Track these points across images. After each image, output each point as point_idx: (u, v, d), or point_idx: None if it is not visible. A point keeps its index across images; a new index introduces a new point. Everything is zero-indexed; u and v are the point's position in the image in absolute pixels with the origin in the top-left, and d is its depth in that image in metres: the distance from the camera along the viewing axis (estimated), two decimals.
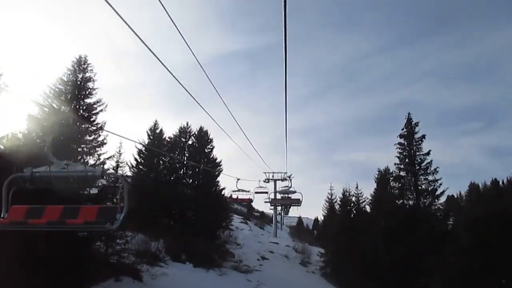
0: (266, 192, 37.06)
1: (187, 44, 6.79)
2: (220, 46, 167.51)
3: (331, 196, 33.55)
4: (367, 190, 32.40)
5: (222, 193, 32.96)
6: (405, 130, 20.52)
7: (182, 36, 6.49)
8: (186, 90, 7.94)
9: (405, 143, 20.35)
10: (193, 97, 8.39)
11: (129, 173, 29.81)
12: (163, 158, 30.97)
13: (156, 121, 30.98)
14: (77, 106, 17.65)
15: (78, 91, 17.72)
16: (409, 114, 20.80)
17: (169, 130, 34.83)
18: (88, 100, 18.03)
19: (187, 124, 32.80)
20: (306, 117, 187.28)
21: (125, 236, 19.63)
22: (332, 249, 29.70)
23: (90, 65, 18.24)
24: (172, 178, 31.26)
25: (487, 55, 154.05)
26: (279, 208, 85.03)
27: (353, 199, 31.57)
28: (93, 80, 18.18)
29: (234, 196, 34.69)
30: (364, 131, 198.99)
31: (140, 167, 29.91)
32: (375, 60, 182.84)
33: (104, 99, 18.24)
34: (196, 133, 32.99)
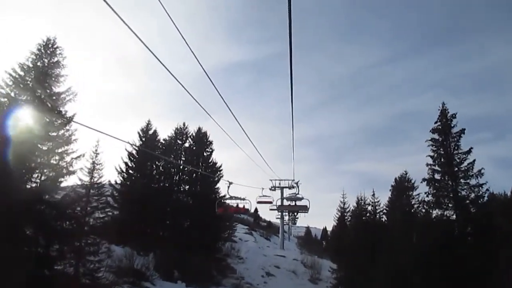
0: (271, 202, 32.90)
1: (192, 53, 6.27)
2: (226, 56, 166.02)
3: (344, 205, 30.10)
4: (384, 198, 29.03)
5: (222, 201, 29.79)
6: (439, 123, 16.83)
7: (187, 44, 5.99)
8: (193, 97, 7.59)
9: (440, 139, 16.73)
10: (199, 104, 8.07)
11: (118, 179, 26.90)
12: (156, 162, 27.97)
13: (149, 121, 28.05)
14: (42, 96, 14.74)
15: (43, 78, 14.84)
16: (443, 104, 17.10)
17: (165, 133, 31.67)
18: (55, 89, 15.14)
19: (184, 124, 29.80)
20: (313, 126, 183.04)
21: (100, 252, 16.52)
22: (346, 265, 26.17)
23: (59, 48, 15.42)
24: (166, 185, 28.21)
25: (496, 66, 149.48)
26: (286, 218, 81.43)
27: (369, 208, 28.12)
28: (62, 66, 15.37)
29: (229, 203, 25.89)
30: (371, 141, 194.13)
31: (130, 172, 26.88)
32: (383, 70, 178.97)
33: (74, 87, 15.31)
34: (194, 134, 29.95)
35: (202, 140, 29.77)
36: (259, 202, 32.78)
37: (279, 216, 48.91)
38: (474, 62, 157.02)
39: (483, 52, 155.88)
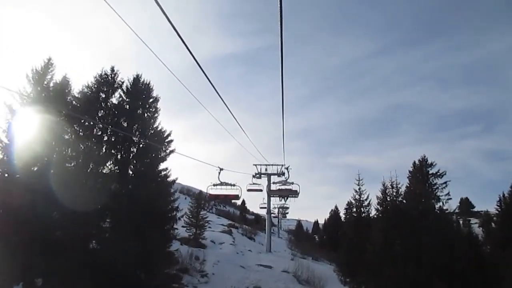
0: (237, 197, 22.78)
1: (183, 43, 5.65)
2: (217, 48, 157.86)
3: (360, 195, 19.65)
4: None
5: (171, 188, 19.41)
6: None
7: (178, 34, 5.43)
8: (185, 87, 7.69)
9: None
10: (192, 94, 7.23)
11: None
12: (64, 128, 17.29)
13: (49, 59, 17.18)
14: None
15: None
16: None
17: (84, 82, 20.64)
18: None
19: (113, 70, 19.06)
20: (305, 119, 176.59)
21: None
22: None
23: None
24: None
25: (487, 59, 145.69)
26: (275, 211, 71.87)
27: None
28: None
29: None
30: (362, 133, 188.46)
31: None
32: (374, 62, 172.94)
33: None
34: (129, 85, 19.28)
35: (140, 94, 19.13)
36: (211, 196, 22.51)
37: (264, 205, 40.06)
38: (466, 54, 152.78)
39: (474, 44, 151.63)
